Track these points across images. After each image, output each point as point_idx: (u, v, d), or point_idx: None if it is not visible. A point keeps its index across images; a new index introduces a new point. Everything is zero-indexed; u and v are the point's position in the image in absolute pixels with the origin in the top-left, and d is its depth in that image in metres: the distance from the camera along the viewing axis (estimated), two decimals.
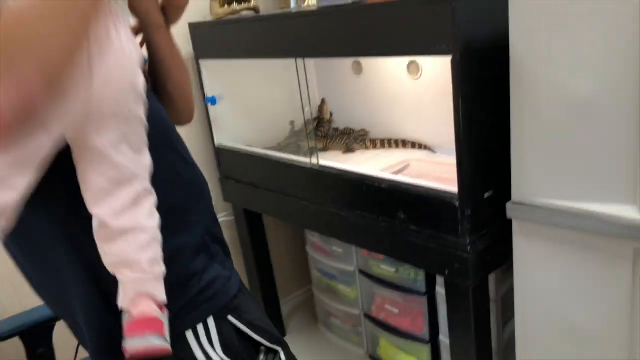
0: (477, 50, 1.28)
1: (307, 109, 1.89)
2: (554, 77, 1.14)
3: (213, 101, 2.23)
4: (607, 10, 1.05)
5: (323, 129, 2.45)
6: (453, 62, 1.25)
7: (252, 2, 1.96)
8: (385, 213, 1.56)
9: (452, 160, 1.85)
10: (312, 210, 1.85)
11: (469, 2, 1.23)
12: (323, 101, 2.50)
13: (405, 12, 1.31)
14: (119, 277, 0.83)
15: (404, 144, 2.17)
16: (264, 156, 2.07)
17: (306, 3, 1.97)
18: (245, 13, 1.99)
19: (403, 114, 2.16)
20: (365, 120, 2.36)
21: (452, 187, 1.39)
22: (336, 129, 2.45)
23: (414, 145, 2.13)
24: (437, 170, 1.80)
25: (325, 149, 2.36)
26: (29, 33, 0.52)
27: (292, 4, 2.02)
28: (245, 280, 2.42)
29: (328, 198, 1.77)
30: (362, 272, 2.13)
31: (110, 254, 0.83)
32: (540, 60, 1.16)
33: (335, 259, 2.25)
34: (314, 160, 1.84)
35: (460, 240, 1.38)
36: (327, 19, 1.55)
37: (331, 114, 2.53)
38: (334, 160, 2.20)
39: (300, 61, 1.72)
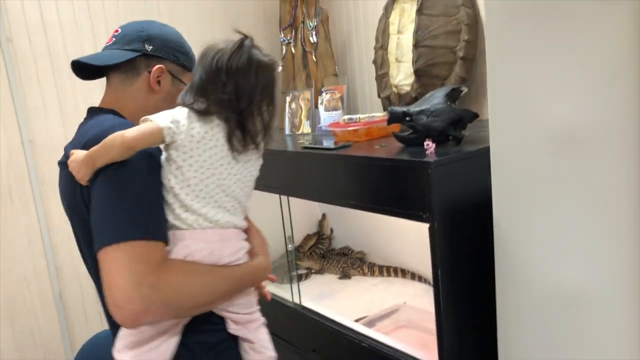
0: (458, 216, 1.18)
1: (290, 246, 1.80)
2: (539, 262, 1.02)
3: None
4: (602, 194, 0.95)
5: (322, 247, 2.36)
6: (430, 231, 1.15)
7: None
8: None
9: None
10: (292, 355, 1.71)
11: (448, 168, 1.14)
12: (324, 216, 2.42)
13: (386, 170, 1.23)
14: None
15: (403, 273, 2.04)
16: None
17: (300, 130, 1.93)
18: None
19: (405, 241, 2.04)
20: (366, 241, 2.25)
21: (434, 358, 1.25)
22: (332, 250, 2.35)
23: (413, 276, 2.00)
24: (429, 321, 1.64)
25: (321, 271, 2.25)
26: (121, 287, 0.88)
27: (287, 130, 1.98)
28: None
29: (309, 345, 1.64)
30: None
31: None
32: (525, 242, 1.05)
33: None
34: (297, 299, 1.72)
35: None
36: (311, 161, 1.49)
37: (331, 230, 2.44)
38: (328, 286, 2.09)
39: (285, 197, 1.65)
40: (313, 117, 1.90)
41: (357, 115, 1.58)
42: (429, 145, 1.19)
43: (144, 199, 0.94)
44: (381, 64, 1.85)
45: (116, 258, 0.89)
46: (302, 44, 2.11)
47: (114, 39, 1.12)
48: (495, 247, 1.13)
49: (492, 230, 1.14)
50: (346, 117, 1.60)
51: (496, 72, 1.06)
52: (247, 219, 1.09)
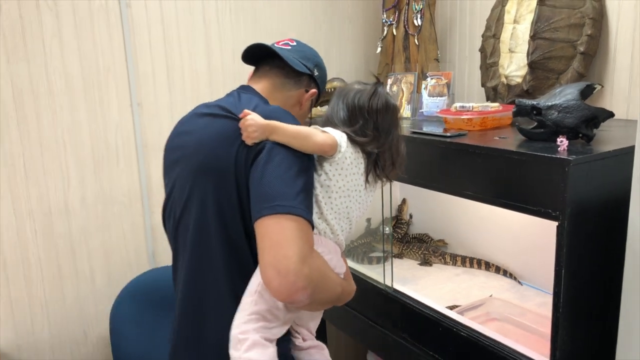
0: (589, 217, 1.15)
1: (387, 230, 1.81)
2: None
3: None
4: None
5: (400, 231, 2.36)
6: (559, 229, 1.13)
7: None
8: None
9: (539, 299, 1.72)
10: (378, 333, 1.73)
11: (585, 167, 1.12)
12: (404, 201, 2.42)
13: (514, 164, 1.22)
14: None
15: (487, 266, 2.02)
16: None
17: (400, 113, 1.92)
18: None
19: (489, 233, 2.02)
20: (446, 230, 2.24)
21: (544, 358, 1.24)
22: (408, 235, 2.34)
23: (498, 270, 1.98)
24: (521, 315, 1.64)
25: (400, 256, 2.26)
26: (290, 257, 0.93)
27: None
28: None
29: (398, 326, 1.65)
30: None
31: None
32: None
33: None
34: (388, 282, 1.74)
35: None
36: (420, 146, 1.48)
37: (410, 216, 2.44)
38: (409, 271, 2.10)
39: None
40: (414, 101, 1.89)
41: (471, 104, 1.56)
42: (563, 142, 1.17)
43: (310, 187, 1.03)
44: (491, 52, 1.81)
45: (288, 228, 0.93)
46: (404, 26, 2.08)
47: (289, 47, 1.26)
48: (627, 253, 1.10)
49: (623, 236, 1.11)
50: (458, 104, 1.58)
51: None
52: None
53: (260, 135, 1.02)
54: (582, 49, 1.61)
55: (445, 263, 2.12)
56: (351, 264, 2.02)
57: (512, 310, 1.69)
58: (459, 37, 2.13)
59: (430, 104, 1.81)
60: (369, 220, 2.39)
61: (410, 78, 1.91)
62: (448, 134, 1.43)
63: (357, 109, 1.11)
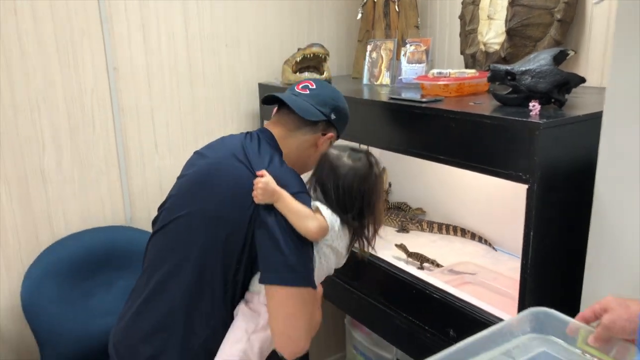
0: (558, 180, 1.18)
1: None
2: (637, 239, 1.02)
3: None
4: None
5: None
6: (529, 192, 1.15)
7: (325, 74, 1.92)
8: (434, 325, 1.46)
9: (512, 263, 1.76)
10: (356, 297, 1.77)
11: (555, 131, 1.13)
12: (383, 170, 2.43)
13: (487, 128, 1.23)
14: None
15: (462, 232, 2.06)
16: None
17: (379, 80, 1.92)
18: None
19: (465, 201, 2.05)
20: (424, 199, 2.26)
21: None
22: (388, 202, 2.37)
23: (473, 236, 2.02)
24: (494, 279, 1.67)
25: None
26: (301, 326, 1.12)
27: (365, 80, 1.97)
28: None
29: (375, 290, 1.68)
30: None
31: None
32: (624, 215, 1.05)
33: (374, 342, 2.15)
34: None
35: None
36: (398, 113, 1.48)
37: (390, 184, 2.46)
38: (386, 238, 2.13)
39: (364, 146, 1.66)
40: (393, 68, 1.88)
41: (448, 70, 1.56)
42: (535, 107, 1.18)
43: (313, 255, 1.15)
44: (470, 19, 1.81)
45: (301, 301, 1.09)
46: None
47: (308, 91, 1.29)
48: (593, 217, 1.13)
49: (591, 199, 1.14)
50: (435, 70, 1.59)
51: (624, 38, 1.03)
52: None
53: (266, 199, 1.12)
54: (559, 16, 1.62)
55: (422, 230, 2.15)
56: None
57: (486, 275, 1.73)
58: (440, 3, 2.12)
59: (409, 70, 1.81)
60: None
61: (390, 45, 1.90)
62: (424, 100, 1.44)
63: (347, 196, 1.18)
